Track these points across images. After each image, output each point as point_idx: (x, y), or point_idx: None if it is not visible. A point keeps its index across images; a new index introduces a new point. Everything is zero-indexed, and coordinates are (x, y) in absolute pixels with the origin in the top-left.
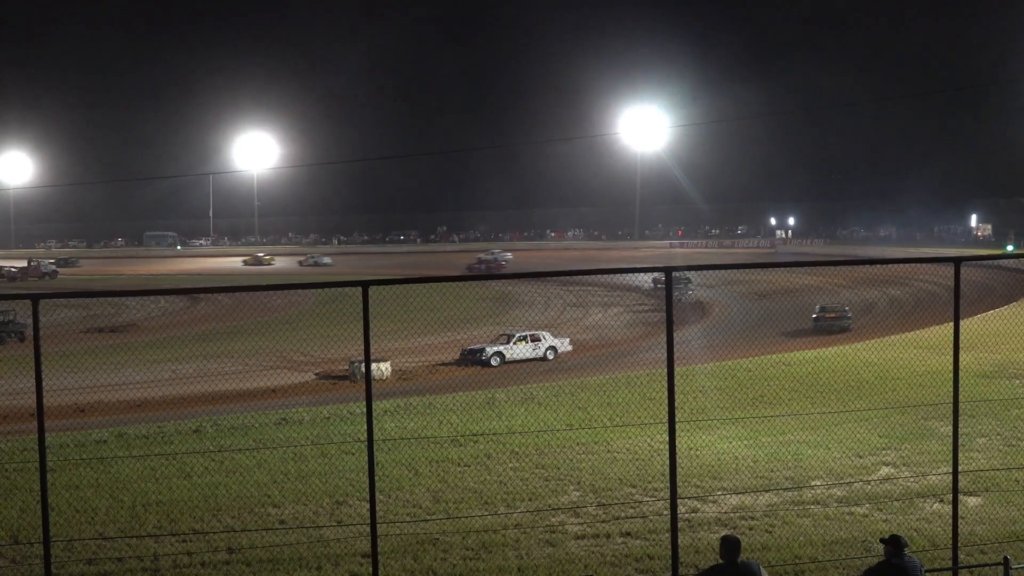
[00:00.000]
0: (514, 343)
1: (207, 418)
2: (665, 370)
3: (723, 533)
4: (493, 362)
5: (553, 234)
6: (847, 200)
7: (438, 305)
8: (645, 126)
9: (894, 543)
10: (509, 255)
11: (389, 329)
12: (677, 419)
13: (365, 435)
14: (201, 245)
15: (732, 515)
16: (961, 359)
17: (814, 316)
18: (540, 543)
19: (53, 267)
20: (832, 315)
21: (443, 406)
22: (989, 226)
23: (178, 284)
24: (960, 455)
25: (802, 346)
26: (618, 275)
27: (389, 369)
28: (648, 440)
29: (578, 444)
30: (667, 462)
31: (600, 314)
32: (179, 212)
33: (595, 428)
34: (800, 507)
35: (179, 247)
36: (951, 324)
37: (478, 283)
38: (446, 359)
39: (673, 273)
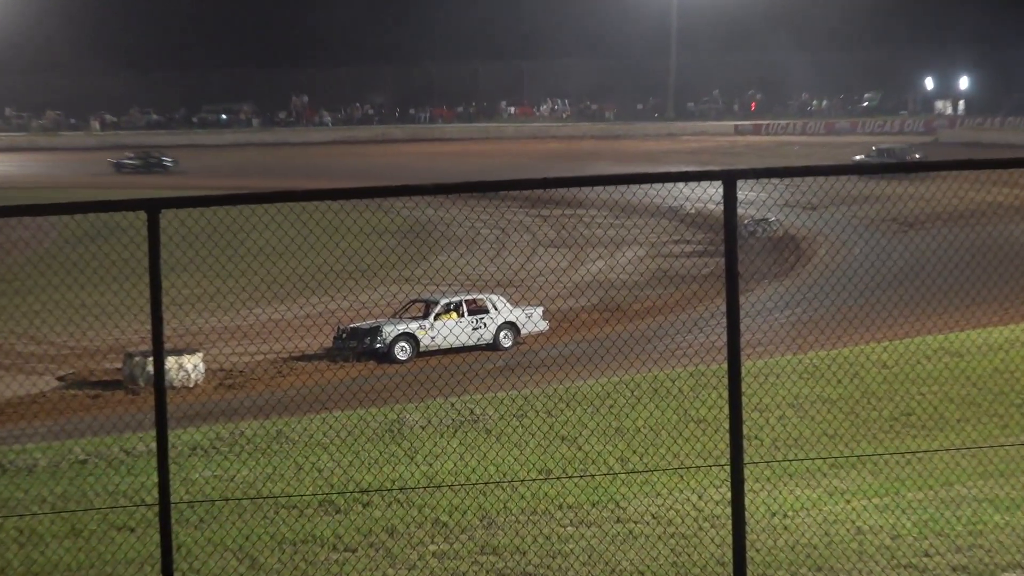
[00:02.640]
0: (437, 317)
1: None
2: (724, 367)
3: None
4: (399, 354)
5: (514, 110)
6: None
7: (294, 247)
8: None
9: None
10: None
11: (202, 293)
12: (749, 458)
13: (155, 493)
14: None
15: None
16: None
17: None
18: None
19: None
20: None
21: (305, 437)
22: None
23: None
24: None
25: (986, 321)
26: (634, 187)
27: (201, 368)
28: (693, 498)
29: (561, 507)
30: (729, 540)
31: (603, 262)
32: None
33: (593, 477)
34: None
35: None
36: None
37: (373, 205)
38: (309, 348)
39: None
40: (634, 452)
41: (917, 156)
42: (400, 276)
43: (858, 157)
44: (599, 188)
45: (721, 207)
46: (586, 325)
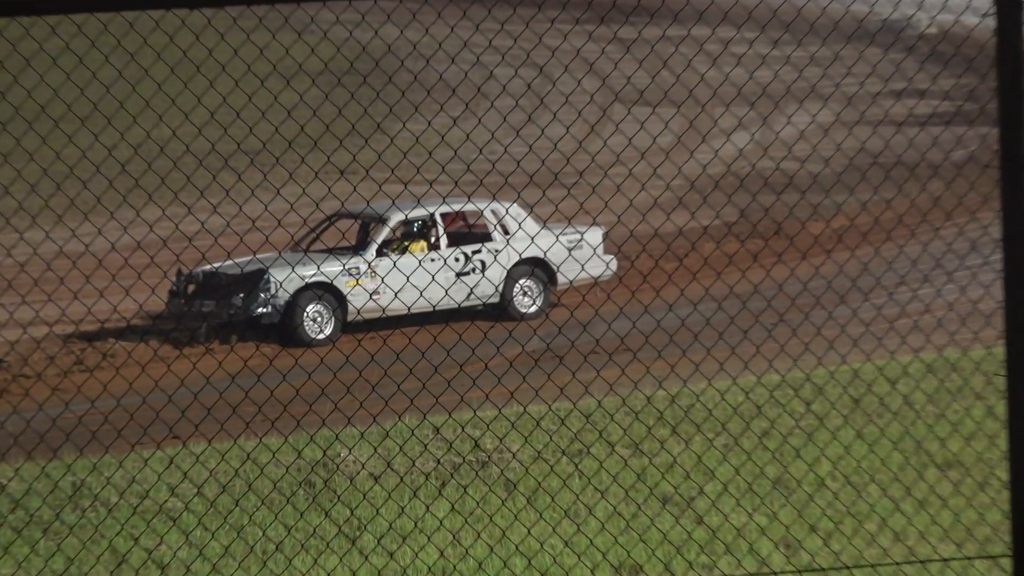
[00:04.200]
0: (385, 251)
1: None
2: (997, 353)
3: None
4: (310, 327)
5: None
6: None
7: (100, 110)
8: None
9: None
10: None
11: None
12: None
13: None
14: None
15: None
16: None
17: None
18: None
19: None
20: None
21: (133, 498)
22: None
23: None
24: None
25: None
26: None
27: None
28: None
29: None
30: None
31: (744, 135)
32: None
33: None
34: None
35: None
36: None
37: (272, 18)
38: (127, 311)
39: None
40: (812, 529)
41: None
42: (319, 165)
43: None
44: None
45: (992, 24)
46: (709, 266)
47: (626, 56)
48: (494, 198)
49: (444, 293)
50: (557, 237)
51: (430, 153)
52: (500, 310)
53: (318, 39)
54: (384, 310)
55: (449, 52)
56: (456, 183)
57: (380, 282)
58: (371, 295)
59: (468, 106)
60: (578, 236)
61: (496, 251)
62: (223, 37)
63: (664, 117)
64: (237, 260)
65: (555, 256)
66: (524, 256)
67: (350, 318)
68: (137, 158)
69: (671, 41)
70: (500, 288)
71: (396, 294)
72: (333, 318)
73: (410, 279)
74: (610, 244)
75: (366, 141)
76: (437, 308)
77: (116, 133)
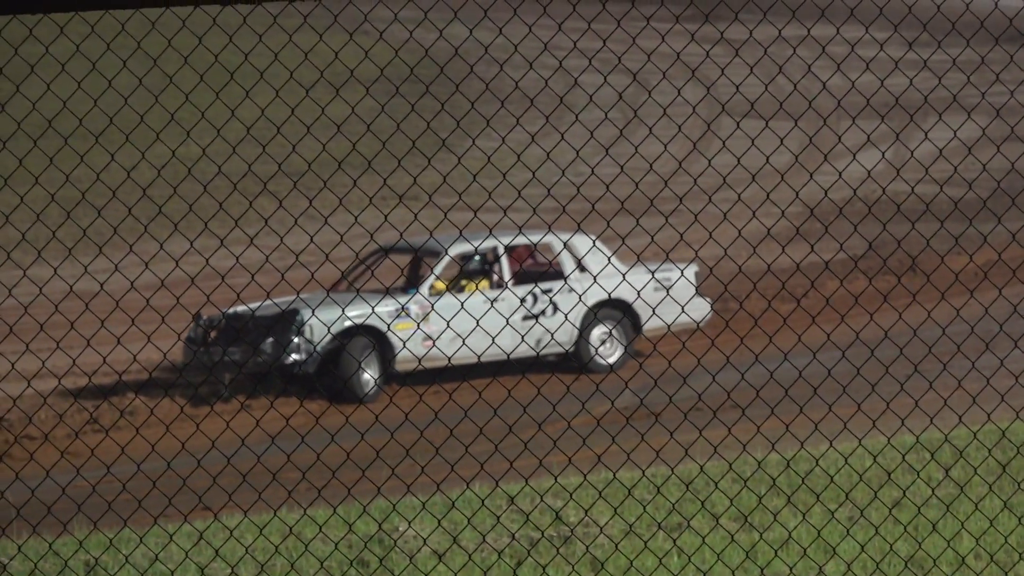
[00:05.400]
0: (434, 287)
1: None
2: None
3: None
4: (366, 383)
5: None
6: None
7: (124, 121)
8: None
9: None
10: None
11: None
12: None
13: None
14: None
15: None
16: None
17: None
18: None
19: None
20: None
21: None
22: None
23: None
24: None
25: None
26: None
27: None
28: None
29: None
30: None
31: (871, 155)
32: None
33: None
34: None
35: None
36: None
37: (320, 17)
38: (148, 359)
39: None
40: None
41: None
42: (374, 189)
43: None
44: None
45: None
46: (831, 308)
47: (735, 60)
48: (579, 228)
49: (509, 340)
50: (652, 274)
51: (504, 175)
52: (577, 360)
53: (373, 41)
54: (450, 359)
55: (527, 56)
56: (535, 210)
57: (445, 325)
58: (430, 339)
59: (549, 120)
60: (668, 275)
61: (570, 291)
62: (261, 38)
63: (779, 132)
64: (276, 300)
65: (639, 298)
66: (605, 297)
67: (399, 366)
68: (160, 181)
69: (788, 43)
70: (575, 335)
71: (465, 340)
72: (379, 369)
73: (476, 322)
74: (713, 283)
75: (429, 161)
76: (501, 359)
77: (136, 151)
